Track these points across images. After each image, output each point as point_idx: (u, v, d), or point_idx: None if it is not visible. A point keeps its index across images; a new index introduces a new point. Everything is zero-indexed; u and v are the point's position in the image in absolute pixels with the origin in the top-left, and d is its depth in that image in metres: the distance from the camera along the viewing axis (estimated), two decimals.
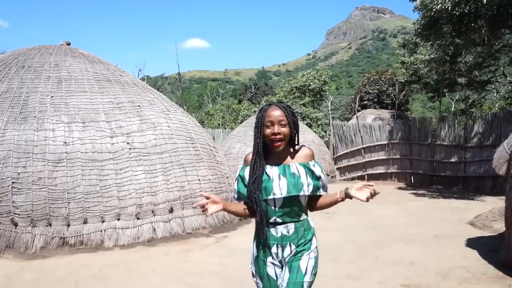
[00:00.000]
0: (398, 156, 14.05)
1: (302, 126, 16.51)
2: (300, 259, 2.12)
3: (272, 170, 2.14)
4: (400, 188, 12.76)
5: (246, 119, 20.12)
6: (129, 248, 5.83)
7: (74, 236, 5.85)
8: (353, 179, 15.16)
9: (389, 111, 22.09)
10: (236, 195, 2.25)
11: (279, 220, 2.12)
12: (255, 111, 25.97)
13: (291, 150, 2.20)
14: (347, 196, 2.10)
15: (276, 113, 2.10)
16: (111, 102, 7.15)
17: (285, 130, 2.09)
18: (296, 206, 2.13)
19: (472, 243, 5.91)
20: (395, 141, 14.13)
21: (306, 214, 2.22)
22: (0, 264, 5.09)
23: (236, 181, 2.26)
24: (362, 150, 14.97)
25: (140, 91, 7.91)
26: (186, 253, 5.63)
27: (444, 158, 12.82)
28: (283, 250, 2.13)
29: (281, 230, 2.12)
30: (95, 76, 7.64)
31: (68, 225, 5.88)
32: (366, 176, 14.86)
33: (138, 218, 6.26)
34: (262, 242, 2.17)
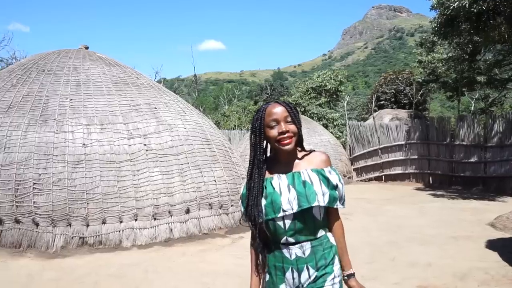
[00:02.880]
0: (416, 157, 13.86)
1: (318, 126, 16.49)
2: (322, 286, 1.77)
3: (280, 181, 1.79)
4: (418, 189, 12.60)
5: None
6: (146, 248, 5.92)
7: (93, 236, 5.96)
8: (370, 180, 15.03)
9: (407, 111, 21.83)
10: (242, 217, 1.91)
11: (291, 239, 1.77)
12: None
13: (300, 154, 1.87)
14: (346, 281, 1.82)
15: (279, 110, 1.78)
16: (128, 104, 7.27)
17: (292, 127, 1.77)
18: (310, 222, 1.76)
19: (492, 244, 5.80)
20: (412, 141, 13.95)
21: (325, 230, 1.83)
22: (22, 263, 5.23)
23: (240, 200, 1.94)
24: (379, 151, 14.83)
25: (157, 93, 8.01)
26: (203, 253, 5.69)
27: (464, 158, 12.59)
28: (299, 275, 1.77)
29: (295, 251, 1.77)
30: (113, 79, 7.78)
31: (87, 225, 6.00)
32: (383, 177, 14.72)
33: (155, 219, 6.35)
34: (273, 265, 1.83)
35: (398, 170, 14.40)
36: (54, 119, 6.61)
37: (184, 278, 4.65)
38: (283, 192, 1.75)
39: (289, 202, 1.73)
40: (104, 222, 6.08)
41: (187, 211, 6.63)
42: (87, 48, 9.00)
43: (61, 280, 4.63)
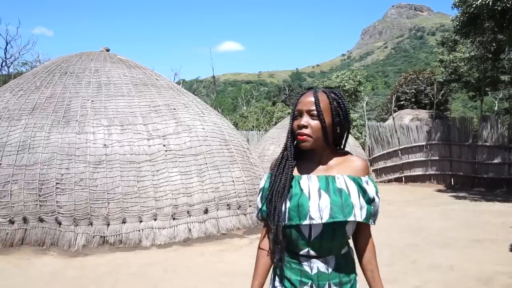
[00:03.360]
0: (437, 158, 13.61)
1: None
2: None
3: (310, 182, 1.53)
4: (439, 191, 12.36)
5: (280, 121, 20.13)
6: (165, 248, 5.97)
7: (114, 235, 6.06)
8: (389, 181, 14.83)
9: (427, 111, 21.47)
10: (259, 214, 1.66)
11: (313, 252, 1.53)
12: (289, 113, 25.96)
13: (335, 155, 1.62)
14: None
15: (306, 100, 1.55)
16: (148, 105, 7.36)
17: (315, 124, 1.52)
18: (339, 237, 1.53)
19: None
20: (433, 142, 13.70)
21: (348, 244, 1.63)
22: (46, 261, 5.35)
23: (259, 194, 1.67)
24: (399, 152, 14.61)
25: (176, 94, 8.09)
26: (221, 253, 5.71)
27: (487, 159, 12.30)
28: None
29: (317, 265, 1.53)
30: (133, 80, 7.89)
31: (108, 225, 6.10)
32: (403, 178, 14.50)
33: (174, 219, 6.41)
34: (286, 278, 1.58)
35: (418, 171, 14.17)
36: (76, 120, 6.75)
37: (202, 278, 4.68)
38: (313, 197, 1.49)
39: (319, 210, 1.47)
40: (124, 222, 6.17)
41: (206, 211, 6.67)
42: (108, 50, 9.16)
43: (83, 278, 4.71)
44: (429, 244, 5.98)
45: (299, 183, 1.54)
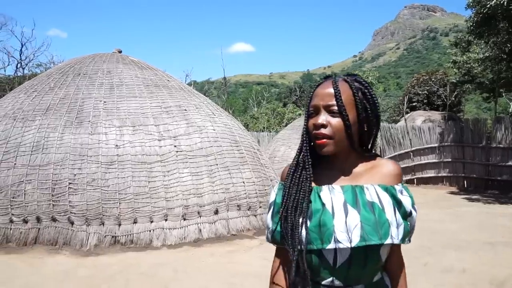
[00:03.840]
0: (450, 159, 13.44)
1: None
2: None
3: (332, 195, 1.21)
4: (452, 193, 12.21)
5: (291, 122, 20.10)
6: (176, 248, 6.00)
7: (125, 235, 6.11)
8: None
9: (440, 112, 21.23)
10: (271, 236, 1.29)
11: (339, 283, 1.21)
12: (299, 114, 25.92)
13: (361, 158, 1.31)
14: None
15: (324, 92, 1.24)
16: (159, 106, 7.41)
17: (336, 122, 1.21)
18: (372, 263, 1.20)
19: None
20: (446, 144, 13.53)
21: (381, 270, 1.29)
22: (58, 260, 5.42)
23: (270, 210, 1.32)
24: (411, 153, 14.48)
25: (187, 95, 8.14)
26: (231, 254, 5.72)
27: (501, 162, 12.11)
28: None
29: None
30: (144, 81, 7.96)
31: (119, 225, 6.16)
32: (415, 180, 14.36)
33: (184, 219, 6.44)
34: None
35: (431, 173, 14.02)
36: (89, 121, 6.83)
37: (213, 278, 4.69)
38: (337, 213, 1.17)
39: (347, 230, 1.15)
40: (135, 222, 6.21)
41: (216, 212, 6.69)
42: (120, 52, 9.25)
43: (95, 277, 4.76)
44: (441, 247, 5.92)
45: (319, 196, 1.22)
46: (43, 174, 6.24)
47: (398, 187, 1.23)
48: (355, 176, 1.26)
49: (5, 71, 26.59)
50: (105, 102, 7.22)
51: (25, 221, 6.02)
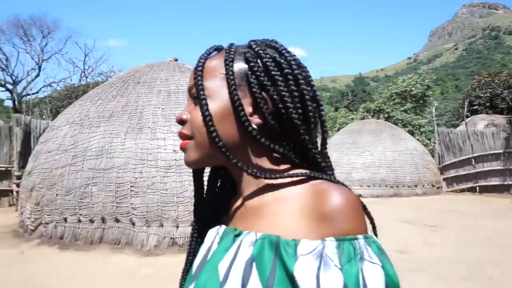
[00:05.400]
0: None
1: (403, 133, 15.67)
2: None
3: (212, 241, 0.76)
4: None
5: (343, 126, 19.78)
6: None
7: (182, 237, 6.31)
8: (462, 190, 13.97)
9: (505, 116, 19.99)
10: None
11: None
12: (352, 119, 25.44)
13: (269, 183, 0.71)
14: None
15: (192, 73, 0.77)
16: None
17: (195, 114, 0.76)
18: None
19: None
20: None
21: None
22: (121, 259, 5.71)
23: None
24: (473, 160, 13.74)
25: None
26: None
27: None
28: None
29: None
30: None
31: (177, 227, 6.37)
32: (477, 188, 13.59)
33: None
34: None
35: (495, 181, 13.22)
36: (149, 127, 7.14)
37: None
38: (195, 271, 0.75)
39: None
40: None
41: None
42: (176, 60, 9.60)
43: (156, 277, 4.96)
44: (509, 260, 5.56)
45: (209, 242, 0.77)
46: (107, 177, 6.60)
47: (311, 244, 0.58)
48: (248, 212, 0.73)
49: (71, 80, 28.49)
50: (163, 108, 7.52)
51: (92, 221, 6.41)
